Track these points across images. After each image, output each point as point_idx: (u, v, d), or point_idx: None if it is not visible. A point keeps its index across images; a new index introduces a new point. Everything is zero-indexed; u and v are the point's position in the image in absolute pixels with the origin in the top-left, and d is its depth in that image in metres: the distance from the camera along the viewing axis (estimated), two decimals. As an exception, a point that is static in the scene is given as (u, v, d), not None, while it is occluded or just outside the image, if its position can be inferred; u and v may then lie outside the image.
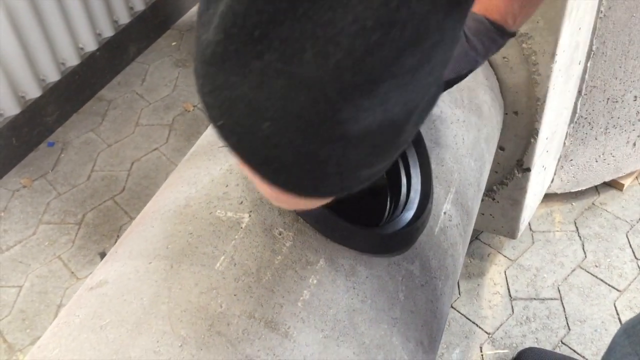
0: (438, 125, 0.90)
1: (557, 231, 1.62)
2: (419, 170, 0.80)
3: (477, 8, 0.67)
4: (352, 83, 0.27)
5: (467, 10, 0.30)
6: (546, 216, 1.67)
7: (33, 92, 1.99)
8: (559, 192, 1.62)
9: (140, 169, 1.96)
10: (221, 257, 0.65)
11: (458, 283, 1.51)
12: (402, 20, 0.26)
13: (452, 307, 1.46)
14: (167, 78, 2.37)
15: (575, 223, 1.64)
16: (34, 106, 2.01)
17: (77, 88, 2.19)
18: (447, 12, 0.28)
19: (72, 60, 2.13)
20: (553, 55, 1.04)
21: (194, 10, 2.78)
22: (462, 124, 0.95)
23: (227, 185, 0.73)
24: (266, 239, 0.67)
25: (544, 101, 1.11)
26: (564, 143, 1.49)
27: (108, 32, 2.28)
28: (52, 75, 2.06)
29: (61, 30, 2.02)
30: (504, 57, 1.08)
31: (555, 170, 1.56)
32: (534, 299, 1.45)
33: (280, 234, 0.68)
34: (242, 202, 0.70)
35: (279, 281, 0.64)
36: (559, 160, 1.53)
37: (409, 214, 0.76)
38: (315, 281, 0.66)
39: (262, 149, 0.31)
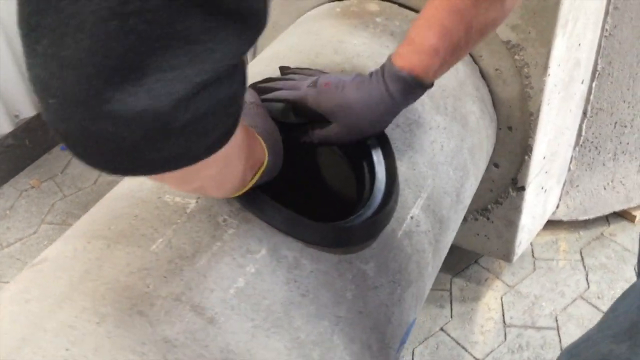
0: (414, 129, 0.87)
1: (561, 260, 1.56)
2: (384, 170, 0.77)
3: (400, 62, 0.70)
4: (111, 66, 0.32)
5: (252, 33, 0.37)
6: (551, 244, 1.60)
7: (50, 95, 2.03)
8: (565, 219, 1.56)
9: (146, 175, 1.97)
10: (159, 240, 0.63)
11: (451, 306, 1.46)
12: (136, 11, 0.31)
13: (442, 329, 1.41)
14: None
15: (581, 252, 1.57)
16: (49, 109, 2.05)
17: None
18: (205, 19, 0.33)
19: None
20: (546, 67, 1.00)
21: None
22: (443, 131, 0.92)
23: (181, 172, 0.72)
24: (208, 225, 0.65)
25: (537, 116, 1.07)
26: (569, 167, 1.44)
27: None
28: (70, 81, 2.10)
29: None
30: (496, 69, 1.05)
31: (561, 195, 1.50)
32: (530, 327, 1.39)
33: (224, 221, 0.66)
34: (191, 188, 0.69)
35: (214, 267, 0.62)
36: (564, 185, 1.48)
37: (369, 212, 0.73)
38: (253, 270, 0.63)
39: (56, 123, 0.36)
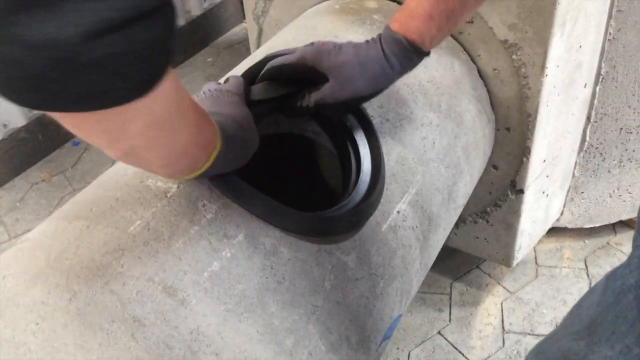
0: (405, 125, 0.87)
1: (565, 267, 1.54)
2: (370, 163, 0.77)
3: (396, 27, 0.71)
4: None
5: None
6: (555, 251, 1.58)
7: (63, 91, 2.07)
8: (569, 226, 1.54)
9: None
10: (137, 222, 0.64)
11: (450, 309, 1.44)
12: None
13: (439, 333, 1.39)
14: (195, 91, 2.42)
15: (585, 261, 1.55)
16: (62, 105, 2.08)
17: (108, 93, 2.26)
18: None
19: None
20: (543, 67, 1.00)
21: (235, 30, 2.85)
22: (436, 127, 0.92)
23: (166, 159, 0.72)
24: (187, 209, 0.66)
25: (535, 117, 1.06)
26: (574, 173, 1.43)
27: (144, 42, 2.36)
28: (84, 78, 2.13)
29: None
30: (494, 69, 1.05)
31: (565, 202, 1.48)
32: (529, 334, 1.37)
33: (203, 206, 0.66)
34: (174, 174, 0.70)
35: (189, 250, 0.62)
36: (568, 191, 1.46)
37: (351, 204, 0.73)
38: (229, 255, 0.64)
39: None
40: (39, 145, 2.06)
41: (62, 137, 2.13)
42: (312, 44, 0.75)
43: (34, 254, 0.62)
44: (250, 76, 0.78)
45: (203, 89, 0.72)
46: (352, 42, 0.74)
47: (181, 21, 2.54)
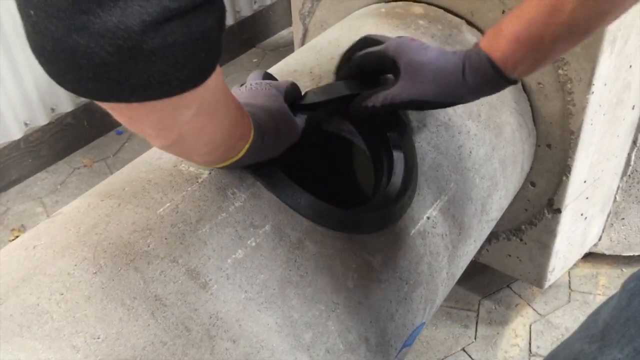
0: (442, 131, 0.86)
1: (599, 295, 1.49)
2: (403, 167, 0.77)
3: (483, 44, 0.66)
4: None
5: None
6: (590, 277, 1.54)
7: (111, 81, 2.11)
8: (607, 252, 1.50)
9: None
10: (167, 204, 0.65)
11: (476, 327, 1.42)
12: None
13: (463, 349, 1.37)
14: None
15: (621, 289, 1.50)
16: (110, 94, 2.13)
17: (154, 86, 2.30)
18: None
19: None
20: (589, 84, 0.97)
21: (282, 33, 2.87)
22: (473, 137, 0.90)
23: (201, 146, 0.73)
24: (217, 196, 0.66)
25: (579, 135, 1.03)
26: (615, 198, 1.39)
27: (192, 38, 2.40)
28: (132, 69, 2.18)
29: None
30: (539, 83, 1.03)
31: (604, 227, 1.44)
32: (556, 358, 1.33)
33: (233, 194, 0.67)
34: (207, 161, 0.70)
35: (215, 235, 0.63)
36: (608, 216, 1.42)
37: (380, 204, 0.73)
38: (254, 244, 0.64)
39: (34, 37, 0.37)
40: (83, 131, 2.11)
41: (106, 125, 2.18)
42: (400, 37, 0.73)
43: (65, 226, 0.63)
44: (346, 56, 0.79)
45: (248, 80, 0.73)
46: (440, 47, 0.72)
47: (230, 20, 2.58)
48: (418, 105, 0.72)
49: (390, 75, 0.75)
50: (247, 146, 0.60)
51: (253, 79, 0.73)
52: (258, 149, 0.62)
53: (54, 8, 0.35)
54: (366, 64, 0.75)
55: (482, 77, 0.66)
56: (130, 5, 0.35)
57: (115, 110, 0.46)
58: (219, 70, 0.47)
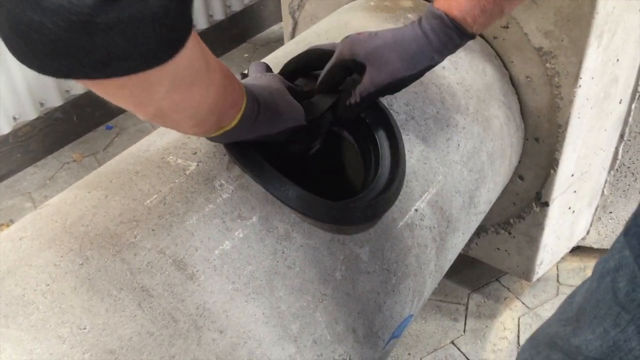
0: (430, 124, 0.87)
1: (587, 288, 1.50)
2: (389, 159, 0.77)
3: (438, 4, 0.68)
4: None
5: None
6: (578, 270, 1.55)
7: (100, 75, 2.10)
8: (595, 246, 1.51)
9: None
10: (154, 196, 0.65)
11: (465, 320, 1.42)
12: None
13: (452, 343, 1.38)
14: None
15: (608, 283, 1.51)
16: (99, 89, 2.12)
17: (144, 80, 2.29)
18: None
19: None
20: (577, 78, 0.98)
21: (274, 28, 2.86)
22: (462, 130, 0.91)
23: (189, 138, 0.73)
24: (204, 187, 0.66)
25: (566, 129, 1.04)
26: (603, 192, 1.40)
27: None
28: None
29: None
30: (527, 77, 1.03)
31: (592, 220, 1.45)
32: (544, 351, 1.34)
33: (220, 186, 0.67)
34: (195, 153, 0.70)
35: (202, 227, 0.63)
36: (596, 209, 1.43)
37: (368, 197, 0.73)
38: (241, 235, 0.64)
39: None
40: (73, 126, 2.10)
41: (96, 120, 2.17)
42: (347, 37, 0.74)
43: (51, 218, 0.63)
44: (291, 68, 0.79)
45: (251, 71, 0.74)
46: (390, 27, 0.73)
47: (221, 15, 2.57)
48: (394, 86, 0.72)
49: (355, 75, 0.75)
50: (239, 114, 0.60)
51: (256, 70, 0.74)
52: (254, 118, 0.62)
53: None
54: (335, 76, 0.75)
55: (444, 35, 0.68)
56: None
57: (90, 87, 0.46)
58: (194, 43, 0.46)
